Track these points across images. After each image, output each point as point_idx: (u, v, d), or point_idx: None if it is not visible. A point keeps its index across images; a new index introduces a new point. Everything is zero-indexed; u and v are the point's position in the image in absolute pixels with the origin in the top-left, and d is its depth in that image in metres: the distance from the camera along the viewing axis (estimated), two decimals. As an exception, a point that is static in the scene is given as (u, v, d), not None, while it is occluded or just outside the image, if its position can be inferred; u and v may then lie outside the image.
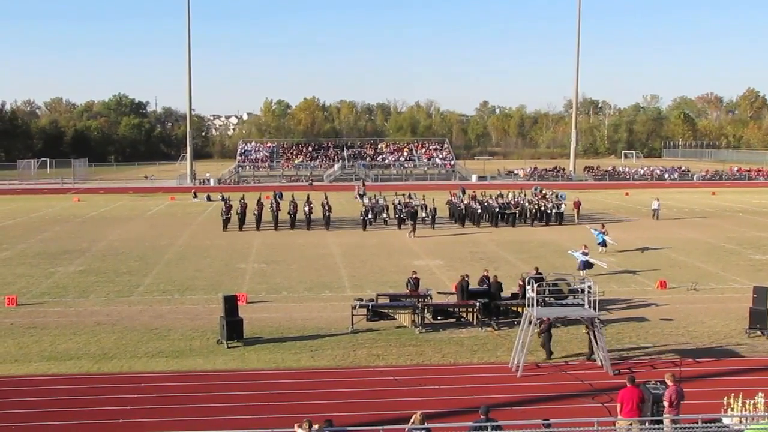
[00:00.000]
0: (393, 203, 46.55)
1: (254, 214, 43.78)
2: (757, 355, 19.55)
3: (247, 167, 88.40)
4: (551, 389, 17.03)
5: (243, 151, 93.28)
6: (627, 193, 68.34)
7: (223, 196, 52.17)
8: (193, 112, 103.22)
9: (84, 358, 19.29)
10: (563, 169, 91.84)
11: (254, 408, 15.84)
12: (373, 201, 47.41)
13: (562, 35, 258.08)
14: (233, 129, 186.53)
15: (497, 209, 45.28)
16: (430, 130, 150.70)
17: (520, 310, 21.31)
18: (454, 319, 22.52)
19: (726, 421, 13.99)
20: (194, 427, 14.75)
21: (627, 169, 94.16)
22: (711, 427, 12.75)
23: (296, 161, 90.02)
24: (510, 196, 48.54)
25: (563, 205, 46.62)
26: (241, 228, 43.04)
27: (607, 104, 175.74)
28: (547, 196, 48.90)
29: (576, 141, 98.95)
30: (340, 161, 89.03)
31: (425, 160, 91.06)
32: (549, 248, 36.31)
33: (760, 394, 14.40)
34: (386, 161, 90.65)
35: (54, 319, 23.24)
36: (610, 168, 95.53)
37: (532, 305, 17.96)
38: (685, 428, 12.66)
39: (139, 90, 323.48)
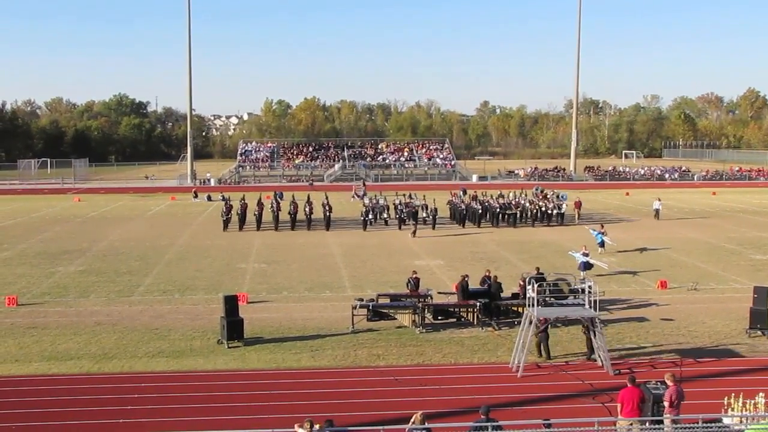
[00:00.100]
0: (394, 203, 46.56)
1: (254, 214, 43.78)
2: (758, 355, 19.54)
3: (248, 167, 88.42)
4: (552, 389, 17.02)
5: (243, 151, 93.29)
6: (627, 193, 68.33)
7: (223, 197, 52.20)
8: (193, 112, 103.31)
9: (84, 358, 19.29)
10: (564, 169, 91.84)
11: (255, 408, 15.84)
12: (374, 201, 47.40)
13: (562, 35, 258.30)
14: (234, 129, 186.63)
15: (498, 209, 45.28)
16: (431, 130, 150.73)
17: (520, 310, 21.30)
18: (455, 319, 22.51)
19: (726, 421, 13.99)
20: (195, 427, 14.76)
21: (627, 169, 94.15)
22: (711, 427, 12.75)
23: (297, 161, 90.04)
24: (511, 196, 48.52)
25: (564, 206, 46.61)
26: (241, 228, 43.05)
27: (608, 104, 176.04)
28: (548, 197, 48.89)
29: (576, 141, 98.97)
30: (341, 161, 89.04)
31: (426, 160, 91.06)
32: (549, 248, 36.31)
33: (760, 394, 14.40)
34: (387, 161, 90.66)
35: (54, 319, 23.24)
36: (610, 168, 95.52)
37: (533, 305, 17.97)
38: (685, 428, 12.66)
39: (140, 90, 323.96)
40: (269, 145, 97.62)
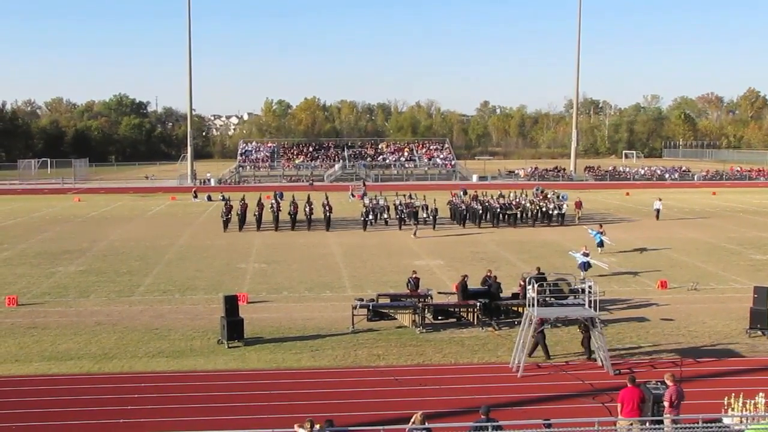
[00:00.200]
0: (394, 203, 46.56)
1: (254, 214, 43.77)
2: (758, 355, 19.54)
3: (248, 167, 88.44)
4: (552, 389, 17.02)
5: (243, 151, 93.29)
6: (628, 193, 68.32)
7: (223, 197, 52.21)
8: (193, 112, 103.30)
9: (84, 358, 19.29)
10: (564, 169, 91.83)
11: (255, 408, 15.84)
12: (374, 201, 47.39)
13: (562, 35, 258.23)
14: (234, 129, 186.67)
15: (498, 209, 45.28)
16: (431, 130, 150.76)
17: (520, 310, 21.30)
18: (455, 319, 22.51)
19: (726, 421, 13.98)
20: (195, 427, 14.76)
21: (627, 169, 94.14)
22: (711, 427, 12.75)
23: (297, 161, 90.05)
24: (511, 196, 48.51)
25: (565, 206, 46.59)
26: (241, 228, 43.03)
27: (608, 104, 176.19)
28: (548, 197, 48.88)
29: (576, 141, 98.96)
30: (341, 161, 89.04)
31: (426, 160, 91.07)
32: (550, 248, 36.31)
33: (760, 394, 14.40)
34: (387, 161, 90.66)
35: (54, 319, 23.24)
36: (610, 168, 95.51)
37: (533, 305, 17.96)
38: (685, 428, 12.65)
39: (140, 90, 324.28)
40: (269, 145, 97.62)
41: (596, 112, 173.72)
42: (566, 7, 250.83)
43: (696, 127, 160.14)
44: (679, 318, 23.05)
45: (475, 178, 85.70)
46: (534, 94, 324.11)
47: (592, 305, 18.32)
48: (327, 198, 46.93)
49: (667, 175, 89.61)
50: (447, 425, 14.52)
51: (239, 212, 43.93)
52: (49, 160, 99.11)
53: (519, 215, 45.39)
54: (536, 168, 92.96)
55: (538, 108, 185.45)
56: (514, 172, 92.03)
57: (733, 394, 14.59)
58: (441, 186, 72.72)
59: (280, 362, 19.04)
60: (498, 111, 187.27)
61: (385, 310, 22.28)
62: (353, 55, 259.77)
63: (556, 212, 45.45)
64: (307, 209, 44.26)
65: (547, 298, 19.09)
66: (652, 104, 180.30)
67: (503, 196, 48.39)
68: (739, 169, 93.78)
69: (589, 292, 18.40)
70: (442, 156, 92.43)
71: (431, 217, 44.02)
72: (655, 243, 37.63)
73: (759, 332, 20.93)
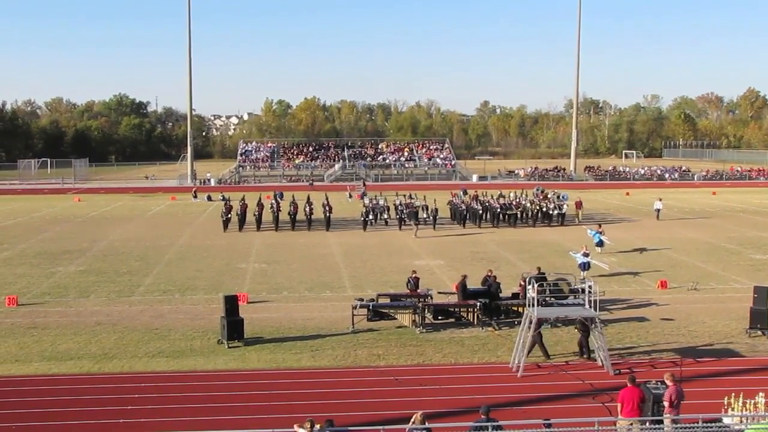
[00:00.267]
0: (394, 204, 46.56)
1: (254, 214, 43.75)
2: (758, 354, 19.54)
3: (248, 167, 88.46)
4: (552, 389, 17.02)
5: (243, 151, 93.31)
6: (628, 193, 68.33)
7: (223, 197, 52.19)
8: (193, 112, 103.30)
9: (85, 358, 19.29)
10: (564, 169, 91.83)
11: (255, 408, 15.85)
12: (374, 202, 47.38)
13: (562, 35, 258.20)
14: (234, 129, 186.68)
15: (498, 209, 45.26)
16: (431, 130, 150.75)
17: (520, 310, 21.30)
18: (455, 319, 22.51)
19: (726, 420, 13.99)
20: (195, 427, 14.76)
21: (627, 169, 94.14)
22: (711, 427, 12.75)
23: (297, 161, 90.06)
24: (512, 196, 48.49)
25: (565, 206, 46.57)
26: (241, 229, 43.02)
27: (608, 104, 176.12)
28: (548, 197, 48.87)
29: (576, 141, 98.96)
30: (341, 161, 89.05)
31: (426, 160, 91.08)
32: (550, 248, 36.31)
33: (760, 393, 14.40)
34: (387, 161, 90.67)
35: (54, 319, 23.24)
36: (610, 168, 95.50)
37: (533, 305, 17.96)
38: (685, 428, 12.65)
39: (140, 90, 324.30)
40: (269, 145, 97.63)
41: (596, 112, 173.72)
42: (566, 7, 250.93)
43: (696, 127, 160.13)
44: (679, 318, 23.05)
45: (475, 178, 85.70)
46: (534, 94, 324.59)
47: (592, 305, 18.32)
48: (327, 198, 46.93)
49: (667, 175, 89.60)
50: (447, 425, 14.52)
51: (239, 212, 43.91)
52: (49, 160, 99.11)
53: (519, 215, 45.37)
54: (536, 168, 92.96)
55: (538, 108, 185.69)
56: (514, 172, 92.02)
57: (733, 393, 14.59)
58: (441, 186, 72.73)
59: (280, 362, 19.04)
60: (498, 111, 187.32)
61: (385, 310, 22.28)
62: (353, 55, 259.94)
63: (556, 212, 45.44)
64: (307, 209, 44.25)
65: (547, 298, 19.09)
66: (652, 104, 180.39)
67: (503, 196, 48.39)
68: (739, 169, 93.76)
69: (589, 292, 18.40)
70: (442, 156, 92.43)
71: (431, 218, 44.01)
72: (655, 243, 37.64)
73: (759, 332, 20.93)
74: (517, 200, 46.87)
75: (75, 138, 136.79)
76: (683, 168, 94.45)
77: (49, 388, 17.16)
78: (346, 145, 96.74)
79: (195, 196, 64.48)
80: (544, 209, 45.48)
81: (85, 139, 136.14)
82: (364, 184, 67.14)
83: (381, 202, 47.34)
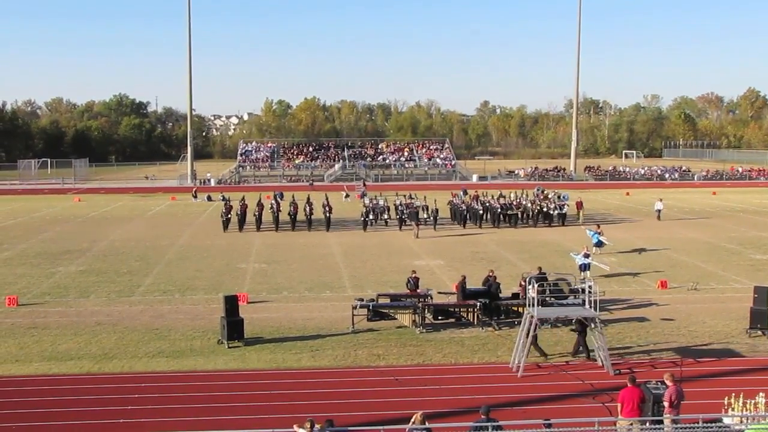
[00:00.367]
0: (394, 204, 46.55)
1: (254, 215, 43.73)
2: (758, 354, 19.54)
3: (248, 167, 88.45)
4: (552, 389, 17.03)
5: (243, 151, 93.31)
6: (628, 193, 68.34)
7: (223, 197, 52.18)
8: (193, 112, 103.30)
9: (85, 358, 19.29)
10: (564, 169, 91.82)
11: (255, 408, 15.85)
12: (374, 202, 47.38)
13: (562, 35, 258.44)
14: (234, 129, 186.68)
15: (499, 210, 45.23)
16: (431, 130, 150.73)
17: (520, 310, 21.29)
18: (455, 319, 22.51)
19: (727, 421, 13.99)
20: (195, 427, 14.76)
21: (628, 169, 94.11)
22: (712, 427, 12.75)
23: (297, 161, 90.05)
24: (512, 196, 48.44)
25: (566, 206, 46.53)
26: (241, 229, 43.01)
27: (608, 104, 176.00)
28: (549, 197, 48.85)
29: (577, 141, 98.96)
30: (341, 161, 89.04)
31: (426, 160, 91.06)
32: (550, 248, 36.31)
33: (760, 394, 14.39)
34: (387, 161, 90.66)
35: (55, 319, 23.25)
36: (610, 168, 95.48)
37: (533, 305, 17.96)
38: (685, 428, 12.66)
39: (140, 90, 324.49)
40: (269, 145, 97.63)
41: (596, 111, 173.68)
42: (566, 6, 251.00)
43: (696, 127, 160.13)
44: (680, 318, 23.05)
45: (475, 178, 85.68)
46: (534, 94, 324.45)
47: (592, 305, 18.32)
48: (327, 198, 46.92)
49: (667, 175, 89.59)
50: (447, 425, 14.52)
51: (239, 212, 43.90)
52: (49, 161, 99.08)
53: (520, 215, 45.33)
54: (536, 168, 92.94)
55: (538, 108, 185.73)
56: (514, 172, 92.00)
57: (734, 394, 14.59)
58: (441, 186, 72.73)
59: (280, 362, 19.04)
60: (498, 111, 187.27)
61: (385, 310, 22.28)
62: (353, 55, 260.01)
63: (556, 212, 45.40)
64: (307, 209, 44.23)
65: (547, 298, 19.09)
66: (652, 104, 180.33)
67: (503, 197, 48.35)
68: (739, 169, 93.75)
69: (589, 292, 18.40)
70: (442, 156, 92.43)
71: (432, 218, 43.98)
72: (655, 243, 37.63)
73: (759, 332, 20.94)
74: (518, 200, 46.85)
75: (75, 138, 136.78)
76: (683, 168, 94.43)
77: (49, 388, 17.17)
78: (346, 145, 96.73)
79: (195, 196, 64.47)
80: (545, 209, 45.46)
81: (85, 139, 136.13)
82: (364, 184, 67.11)
83: (381, 203, 47.33)
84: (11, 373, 18.24)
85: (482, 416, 12.74)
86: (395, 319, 22.11)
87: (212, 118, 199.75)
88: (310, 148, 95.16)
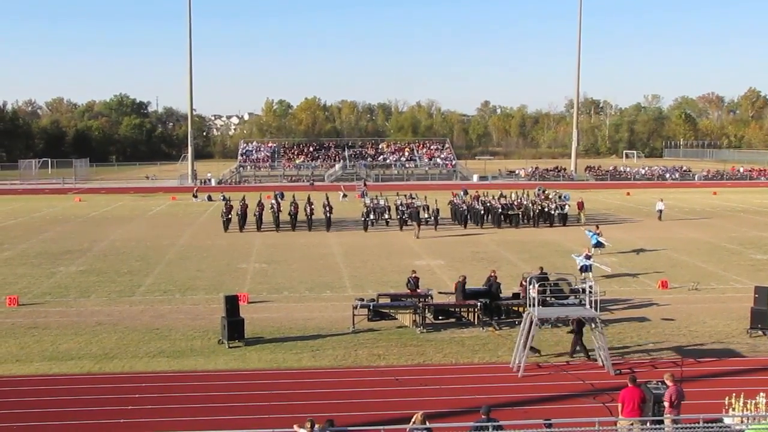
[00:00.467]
0: (395, 204, 46.52)
1: (255, 215, 43.72)
2: (759, 355, 19.53)
3: (248, 167, 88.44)
4: (552, 389, 17.02)
5: (244, 151, 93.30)
6: (628, 193, 68.33)
7: (224, 197, 52.17)
8: (194, 112, 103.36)
9: (85, 358, 19.30)
10: (564, 169, 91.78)
11: (255, 408, 15.85)
12: (375, 202, 47.37)
13: (563, 35, 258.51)
14: (234, 129, 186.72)
15: (500, 210, 45.20)
16: (431, 130, 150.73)
17: (521, 310, 21.29)
18: (455, 319, 22.50)
19: (727, 421, 13.98)
20: (195, 427, 14.76)
21: (628, 169, 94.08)
22: (712, 427, 12.75)
23: (297, 161, 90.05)
24: (513, 196, 48.40)
25: (567, 206, 46.49)
26: (242, 229, 43.01)
27: (609, 104, 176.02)
28: (550, 197, 48.82)
29: (577, 141, 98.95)
30: (342, 161, 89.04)
31: (426, 160, 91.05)
32: (550, 248, 36.30)
33: (761, 394, 14.39)
34: (387, 161, 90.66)
35: (55, 319, 23.25)
36: (611, 168, 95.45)
37: (533, 305, 17.95)
38: (686, 428, 12.65)
39: (141, 90, 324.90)
40: (270, 145, 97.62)
41: (597, 111, 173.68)
42: (567, 6, 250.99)
43: (697, 126, 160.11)
44: (680, 318, 23.04)
45: (475, 178, 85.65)
46: (534, 94, 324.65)
47: (593, 305, 18.32)
48: (328, 198, 46.93)
49: (667, 175, 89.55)
50: (448, 425, 14.52)
51: (239, 212, 43.90)
52: (49, 160, 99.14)
53: (521, 216, 45.29)
54: (537, 168, 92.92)
55: (538, 108, 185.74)
56: (514, 172, 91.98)
57: (734, 394, 14.59)
58: (442, 186, 72.72)
59: (280, 362, 19.04)
60: (498, 111, 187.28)
61: (385, 310, 22.28)
62: (353, 55, 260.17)
63: (557, 212, 45.36)
64: (308, 209, 44.21)
65: (547, 298, 19.07)
66: (652, 104, 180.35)
67: (504, 197, 48.31)
68: (740, 169, 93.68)
69: (590, 292, 18.39)
70: (442, 156, 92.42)
71: (433, 218, 43.95)
72: (656, 243, 37.62)
73: (760, 332, 20.92)
74: (519, 200, 46.82)
75: (76, 138, 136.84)
76: (684, 168, 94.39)
77: (49, 388, 17.17)
78: (347, 145, 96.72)
79: (195, 196, 64.48)
80: (546, 209, 45.42)
81: (85, 139, 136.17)
82: (365, 184, 67.09)
83: (382, 203, 47.31)
84: (12, 372, 18.25)
85: (483, 416, 12.74)
86: (396, 319, 22.11)
87: (213, 118, 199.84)
88: (311, 148, 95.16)
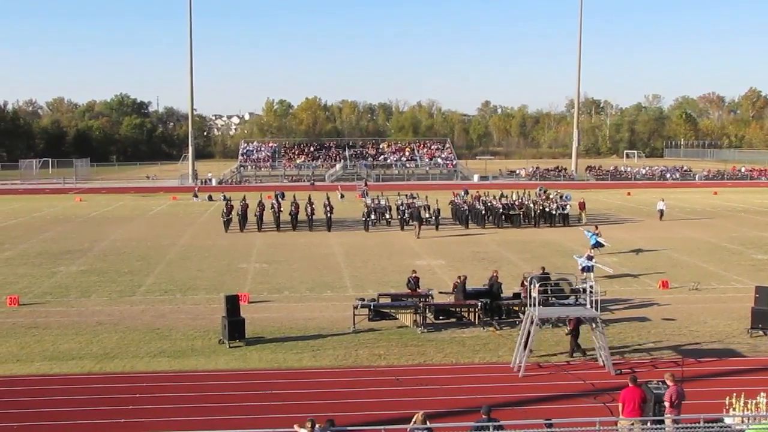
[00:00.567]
0: (396, 204, 46.49)
1: (255, 215, 43.72)
2: (759, 355, 19.52)
3: (249, 167, 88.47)
4: (553, 389, 17.01)
5: (245, 151, 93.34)
6: (629, 193, 68.32)
7: (224, 197, 52.19)
8: (194, 112, 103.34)
9: (86, 358, 19.30)
10: (565, 169, 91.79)
11: (256, 408, 15.85)
12: (376, 202, 47.36)
13: (563, 35, 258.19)
14: (235, 129, 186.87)
15: (501, 210, 45.18)
16: (432, 130, 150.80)
17: (522, 309, 21.27)
18: (456, 319, 22.49)
19: (728, 421, 13.97)
20: (196, 426, 14.76)
21: (629, 169, 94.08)
22: (713, 427, 12.74)
23: (298, 161, 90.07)
24: (514, 196, 48.38)
25: (568, 207, 46.45)
26: (242, 229, 43.02)
27: (609, 104, 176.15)
28: (551, 197, 48.79)
29: (578, 141, 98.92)
30: (342, 161, 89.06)
31: (427, 160, 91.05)
32: (551, 248, 36.30)
33: (762, 394, 14.38)
34: (388, 161, 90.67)
35: (56, 318, 23.26)
36: (612, 168, 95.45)
37: (534, 304, 17.95)
38: (686, 428, 12.65)
39: (141, 90, 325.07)
40: (270, 145, 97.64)
41: (597, 111, 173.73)
42: (567, 6, 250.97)
43: (697, 126, 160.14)
44: (681, 318, 23.04)
45: (476, 178, 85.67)
46: (535, 94, 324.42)
47: (593, 305, 18.31)
48: (328, 198, 46.93)
49: (668, 175, 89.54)
50: (448, 425, 14.52)
51: (240, 212, 43.90)
52: (50, 160, 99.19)
53: (522, 216, 45.26)
54: (537, 168, 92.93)
55: (539, 108, 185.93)
56: (515, 172, 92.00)
57: (735, 394, 14.58)
58: (442, 186, 72.72)
59: (281, 362, 19.04)
60: (499, 111, 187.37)
61: (386, 310, 22.28)
62: (354, 55, 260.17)
63: (558, 212, 45.33)
64: (309, 209, 44.20)
65: (548, 298, 19.07)
66: (653, 104, 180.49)
67: (505, 197, 48.30)
68: (741, 169, 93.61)
69: (591, 292, 18.39)
70: (443, 156, 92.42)
71: (433, 218, 43.94)
72: (657, 243, 37.61)
73: (760, 332, 20.91)
74: (520, 200, 46.80)
75: (76, 138, 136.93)
76: (684, 168, 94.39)
77: (50, 388, 17.18)
78: (348, 145, 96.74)
79: (196, 196, 64.51)
80: (547, 209, 45.39)
81: (86, 139, 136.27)
82: (366, 184, 67.08)
83: (383, 203, 47.30)
84: (12, 372, 18.25)
85: (483, 416, 12.74)
86: (396, 319, 22.11)
87: (213, 117, 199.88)
88: (312, 148, 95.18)
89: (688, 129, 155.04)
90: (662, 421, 13.59)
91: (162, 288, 27.70)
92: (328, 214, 43.98)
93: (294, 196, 49.39)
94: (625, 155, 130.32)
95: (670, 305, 24.63)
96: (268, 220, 44.02)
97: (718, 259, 33.13)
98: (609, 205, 57.69)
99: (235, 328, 20.27)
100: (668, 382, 13.91)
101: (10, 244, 38.13)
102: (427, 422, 12.51)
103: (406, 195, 48.47)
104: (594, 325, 18.27)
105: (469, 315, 22.24)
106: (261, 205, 44.76)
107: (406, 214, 44.09)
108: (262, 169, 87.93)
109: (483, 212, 45.47)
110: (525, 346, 18.12)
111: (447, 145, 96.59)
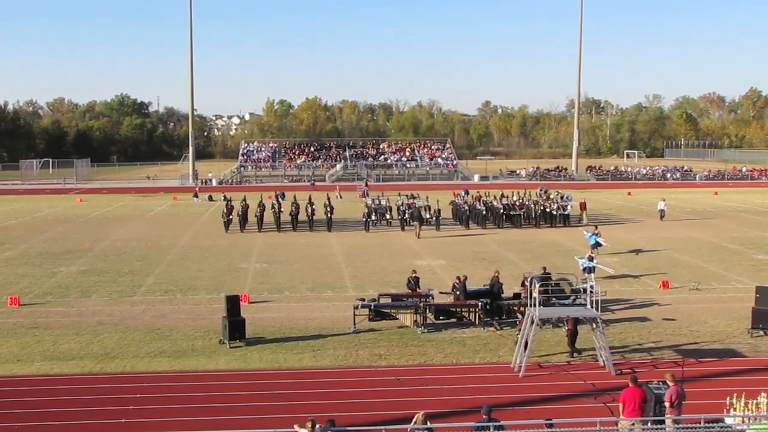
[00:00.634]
0: (396, 204, 46.46)
1: (256, 215, 43.72)
2: (760, 355, 19.51)
3: (249, 167, 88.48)
4: (553, 389, 17.01)
5: (245, 151, 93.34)
6: (629, 193, 68.31)
7: (225, 197, 52.19)
8: (195, 112, 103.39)
9: (86, 358, 19.30)
10: (565, 169, 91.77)
11: (256, 408, 15.85)
12: (376, 202, 47.35)
13: (564, 35, 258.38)
14: (235, 129, 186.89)
15: (501, 210, 45.15)
16: (432, 130, 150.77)
17: (522, 310, 21.26)
18: (456, 319, 22.49)
19: (728, 421, 13.96)
20: (196, 427, 14.76)
21: (629, 169, 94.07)
22: (713, 427, 12.73)
23: (298, 161, 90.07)
24: (515, 197, 48.34)
25: (569, 207, 46.42)
26: (242, 229, 43.02)
27: (610, 104, 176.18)
28: (551, 197, 48.75)
29: (578, 141, 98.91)
30: (343, 161, 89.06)
31: (427, 160, 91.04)
32: (552, 248, 36.29)
33: (762, 394, 14.37)
34: (388, 161, 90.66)
35: (56, 319, 23.26)
36: (612, 168, 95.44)
37: (535, 305, 17.94)
38: (687, 428, 12.64)
39: (142, 90, 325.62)
40: (271, 145, 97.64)
41: (598, 111, 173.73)
42: (567, 6, 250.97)
43: (698, 126, 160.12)
44: (681, 318, 23.03)
45: (476, 178, 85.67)
46: (535, 94, 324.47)
47: (594, 305, 18.31)
48: (329, 198, 46.92)
49: (669, 175, 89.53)
50: (449, 425, 14.52)
51: (240, 212, 43.89)
52: (50, 161, 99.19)
53: (522, 216, 45.23)
54: (538, 168, 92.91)
55: (539, 108, 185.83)
56: (515, 172, 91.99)
57: (735, 394, 14.57)
58: (443, 186, 72.71)
59: (281, 362, 19.04)
60: (499, 111, 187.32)
61: (386, 310, 22.27)
62: (354, 55, 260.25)
63: (559, 213, 45.29)
64: (309, 210, 44.19)
65: (549, 298, 19.06)
66: (653, 104, 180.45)
67: (505, 197, 48.27)
68: (742, 169, 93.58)
69: (591, 292, 18.38)
70: (443, 156, 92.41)
71: (434, 218, 43.92)
72: (657, 243, 37.60)
73: (761, 332, 20.90)
74: (521, 201, 46.76)
75: (77, 138, 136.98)
76: (685, 168, 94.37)
77: (50, 388, 17.18)
78: (348, 145, 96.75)
79: (196, 196, 64.52)
80: (548, 209, 45.37)
81: (86, 139, 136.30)
82: (367, 184, 67.07)
83: (383, 203, 47.29)
84: (13, 372, 18.26)
85: (484, 416, 12.74)
86: (397, 319, 22.11)
87: (214, 118, 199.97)
88: (312, 148, 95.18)
89: (689, 129, 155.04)
90: (663, 422, 13.59)
91: (162, 288, 27.70)
92: (329, 215, 43.97)
93: (294, 197, 49.37)
94: (625, 155, 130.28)
95: (670, 305, 24.62)
96: (268, 220, 44.01)
97: (719, 259, 33.12)
98: (609, 205, 57.67)
99: (235, 328, 20.27)
100: (669, 382, 13.91)
101: (10, 244, 38.14)
102: (428, 422, 12.50)
103: (407, 195, 48.47)
104: (594, 326, 18.27)
105: (469, 315, 22.24)
106: (261, 206, 44.74)
107: (406, 215, 44.07)
108: (263, 169, 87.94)
109: (483, 212, 45.45)
110: (525, 347, 18.11)
111: (447, 145, 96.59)
